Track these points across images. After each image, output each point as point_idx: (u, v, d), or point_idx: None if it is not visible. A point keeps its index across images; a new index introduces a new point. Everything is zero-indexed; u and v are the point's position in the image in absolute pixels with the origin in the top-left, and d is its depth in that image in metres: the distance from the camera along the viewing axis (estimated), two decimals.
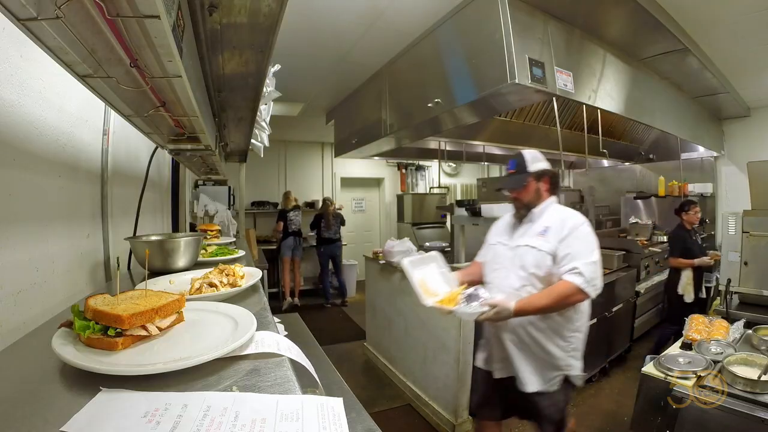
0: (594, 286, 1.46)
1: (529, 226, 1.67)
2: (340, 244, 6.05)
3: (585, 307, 1.63)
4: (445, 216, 5.69)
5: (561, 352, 1.57)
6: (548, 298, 1.47)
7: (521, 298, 1.51)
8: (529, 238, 1.63)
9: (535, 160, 1.67)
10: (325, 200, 6.04)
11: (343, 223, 6.10)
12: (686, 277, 3.26)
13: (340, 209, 6.30)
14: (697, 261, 3.24)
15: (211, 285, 0.96)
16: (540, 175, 1.66)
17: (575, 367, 1.59)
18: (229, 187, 4.11)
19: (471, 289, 1.54)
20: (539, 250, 1.57)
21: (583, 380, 1.65)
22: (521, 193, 1.66)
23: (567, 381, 1.58)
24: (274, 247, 5.94)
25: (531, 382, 1.58)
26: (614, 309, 3.30)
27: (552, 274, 1.55)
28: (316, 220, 5.90)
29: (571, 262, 1.49)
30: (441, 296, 1.56)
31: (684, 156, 4.85)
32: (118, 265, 0.91)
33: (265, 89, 1.51)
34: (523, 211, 1.67)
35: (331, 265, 6.06)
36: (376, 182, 7.90)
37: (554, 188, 1.69)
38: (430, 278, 1.67)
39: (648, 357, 1.73)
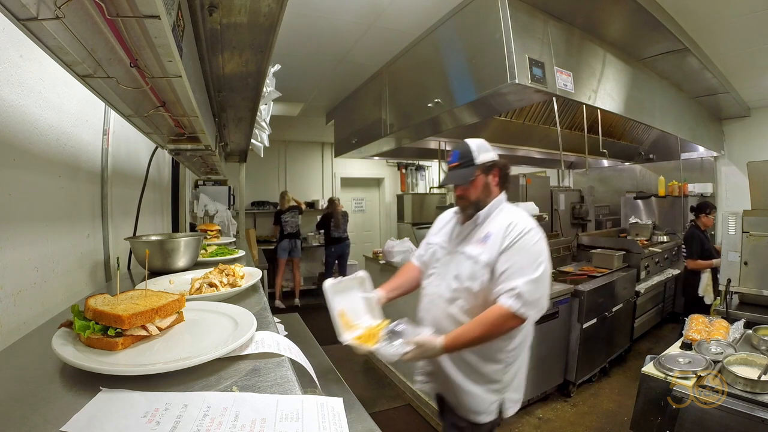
0: (535, 308, 1.27)
1: (472, 228, 1.46)
2: (349, 243, 6.07)
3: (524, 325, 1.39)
4: None
5: (497, 375, 1.38)
6: (480, 329, 1.26)
7: (449, 333, 1.30)
8: (469, 245, 1.43)
9: (482, 149, 1.44)
10: (332, 200, 6.04)
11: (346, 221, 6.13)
12: (706, 279, 3.22)
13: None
14: (715, 261, 3.19)
15: (211, 285, 0.96)
16: (489, 168, 1.44)
17: (512, 398, 1.42)
18: (229, 187, 4.11)
19: (393, 324, 1.32)
20: (476, 262, 1.37)
21: (515, 410, 1.46)
22: (468, 190, 1.43)
23: (499, 410, 1.40)
24: (274, 248, 5.94)
25: (464, 405, 1.40)
26: (614, 309, 3.29)
27: (489, 290, 1.34)
28: (325, 220, 5.89)
29: (509, 281, 1.27)
30: (360, 331, 1.32)
31: (684, 156, 4.85)
32: (118, 265, 0.91)
33: (265, 89, 1.51)
34: (469, 211, 1.46)
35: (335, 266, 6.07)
36: (376, 182, 7.91)
37: (504, 182, 1.48)
38: (353, 307, 1.42)
39: (648, 357, 1.73)
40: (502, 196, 1.48)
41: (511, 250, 1.31)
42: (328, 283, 1.39)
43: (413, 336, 1.27)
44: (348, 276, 1.49)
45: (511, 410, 1.43)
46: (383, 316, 1.43)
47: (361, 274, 1.52)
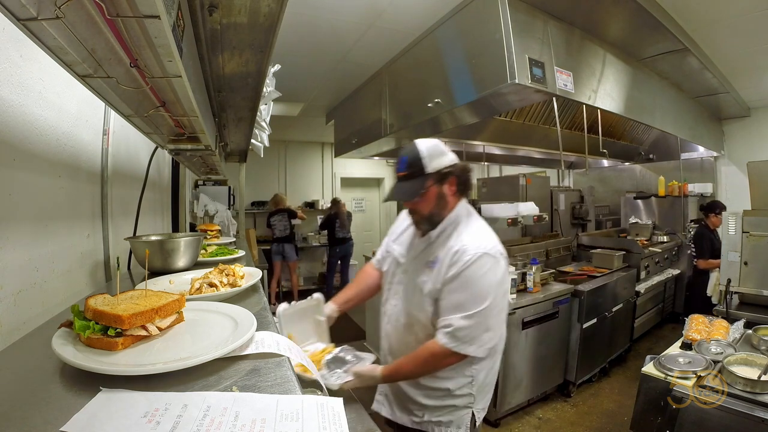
0: (475, 344, 1.14)
1: (426, 245, 1.29)
2: (352, 243, 6.06)
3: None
4: None
5: (461, 390, 1.27)
6: (414, 364, 1.19)
7: (388, 365, 1.24)
8: (420, 266, 1.27)
9: (435, 154, 1.21)
10: (337, 201, 6.03)
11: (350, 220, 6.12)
12: (715, 279, 3.20)
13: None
14: None
15: (211, 285, 0.96)
16: (443, 177, 1.22)
17: (479, 405, 1.30)
18: (229, 187, 4.11)
19: (336, 351, 1.26)
20: (421, 291, 1.23)
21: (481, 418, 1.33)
22: (419, 204, 1.23)
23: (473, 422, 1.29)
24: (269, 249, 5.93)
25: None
26: (614, 309, 3.29)
27: (435, 322, 1.22)
28: (330, 220, 5.87)
29: (445, 315, 1.15)
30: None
31: (684, 156, 4.85)
32: (118, 265, 0.91)
33: (265, 89, 1.51)
34: (424, 226, 1.27)
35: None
36: (376, 182, 7.91)
37: (463, 190, 1.28)
38: (304, 330, 1.33)
39: (648, 357, 1.72)
40: (461, 207, 1.28)
41: (454, 282, 1.16)
42: (281, 308, 1.28)
43: (355, 364, 1.23)
44: (304, 300, 1.39)
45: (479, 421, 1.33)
46: (330, 341, 1.37)
47: (317, 296, 1.40)
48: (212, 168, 2.23)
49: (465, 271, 1.15)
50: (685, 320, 2.05)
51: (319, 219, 6.61)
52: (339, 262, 6.02)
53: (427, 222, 1.26)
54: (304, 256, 6.69)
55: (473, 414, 1.28)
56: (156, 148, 1.48)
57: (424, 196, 1.22)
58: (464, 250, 1.17)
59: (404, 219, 1.44)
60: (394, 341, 1.36)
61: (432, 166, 1.21)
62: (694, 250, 3.55)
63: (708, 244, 3.36)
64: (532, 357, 2.76)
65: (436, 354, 1.16)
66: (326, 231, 6.00)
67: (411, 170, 1.21)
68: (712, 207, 3.50)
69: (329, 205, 6.22)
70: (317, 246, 6.61)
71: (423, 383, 1.27)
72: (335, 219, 5.82)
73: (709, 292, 3.23)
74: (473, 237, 1.20)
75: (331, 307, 1.43)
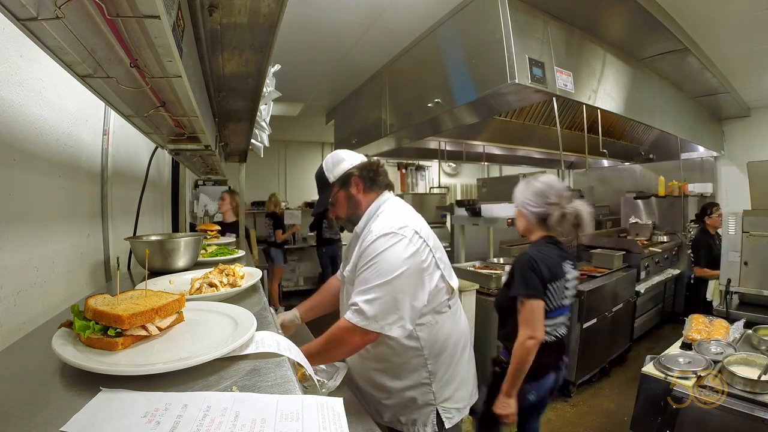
0: (384, 323, 1.10)
1: (355, 244, 1.31)
2: (340, 245, 6.02)
3: (439, 328, 1.25)
4: (445, 216, 5.70)
5: (417, 391, 1.23)
6: (319, 344, 1.17)
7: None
8: (350, 265, 1.29)
9: (336, 162, 1.31)
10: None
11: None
12: (714, 285, 3.19)
13: None
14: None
15: (211, 285, 0.96)
16: (344, 180, 1.29)
17: (442, 400, 1.25)
18: (229, 187, 4.11)
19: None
20: (345, 280, 1.30)
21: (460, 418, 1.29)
22: (336, 211, 1.33)
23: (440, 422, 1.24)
24: None
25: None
26: (614, 309, 3.29)
27: None
28: (318, 220, 5.83)
29: (354, 295, 1.16)
30: None
31: (684, 156, 4.85)
32: (118, 265, 0.91)
33: (265, 89, 1.51)
34: (349, 227, 1.35)
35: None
36: None
37: (371, 182, 1.32)
38: None
39: (648, 357, 1.72)
40: (380, 199, 1.32)
41: (360, 263, 1.18)
42: None
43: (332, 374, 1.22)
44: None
45: (451, 420, 1.27)
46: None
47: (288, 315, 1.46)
48: (212, 168, 2.23)
49: (366, 250, 1.17)
50: (685, 320, 2.05)
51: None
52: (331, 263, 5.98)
53: (349, 223, 1.34)
54: (304, 256, 6.68)
55: (437, 412, 1.24)
56: (156, 148, 1.48)
57: (336, 203, 1.32)
58: (371, 230, 1.20)
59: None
60: None
61: (333, 174, 1.31)
62: (693, 256, 3.53)
63: (705, 251, 3.34)
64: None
65: (342, 329, 1.14)
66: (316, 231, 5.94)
67: (319, 184, 1.35)
68: (704, 210, 3.48)
69: None
70: (314, 246, 6.60)
71: (378, 381, 1.27)
72: (322, 219, 5.75)
73: (708, 297, 3.23)
74: (380, 222, 1.23)
75: (294, 314, 1.46)
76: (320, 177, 1.33)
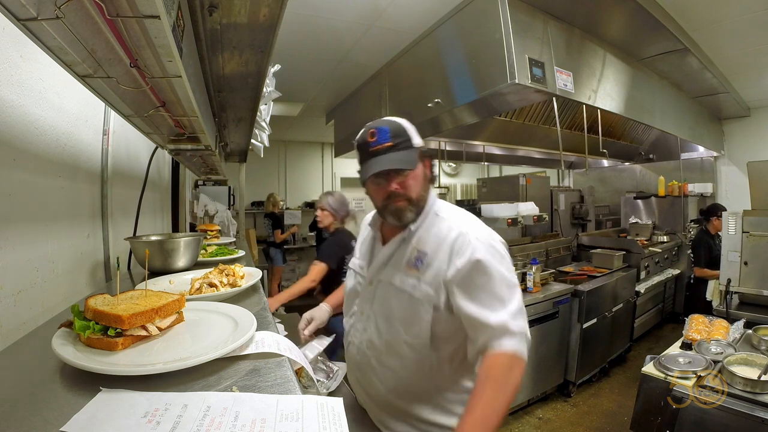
0: (528, 337, 0.93)
1: (400, 243, 1.05)
2: None
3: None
4: None
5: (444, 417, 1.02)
6: (487, 401, 0.85)
7: (462, 418, 0.86)
8: (397, 272, 1.02)
9: (414, 130, 1.06)
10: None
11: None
12: (713, 285, 3.18)
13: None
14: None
15: (211, 285, 0.96)
16: (425, 155, 1.05)
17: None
18: (229, 187, 4.10)
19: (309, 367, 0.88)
20: (410, 297, 0.98)
21: None
22: (409, 181, 1.00)
23: None
24: None
25: None
26: (614, 309, 3.29)
27: (442, 339, 0.98)
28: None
29: (488, 317, 0.89)
30: None
31: (684, 156, 4.85)
32: (118, 265, 0.91)
33: (265, 89, 1.51)
34: (409, 215, 1.01)
35: None
36: None
37: (432, 177, 1.11)
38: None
39: (648, 357, 1.72)
40: (434, 195, 1.09)
41: (469, 276, 0.93)
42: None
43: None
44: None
45: None
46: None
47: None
48: (212, 168, 2.23)
49: (475, 255, 0.93)
50: (685, 320, 2.05)
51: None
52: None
53: (413, 207, 1.02)
54: (304, 256, 6.67)
55: None
56: (156, 148, 1.48)
57: (414, 171, 1.01)
58: (465, 232, 0.97)
59: (365, 228, 1.24)
60: (369, 371, 1.08)
61: (417, 140, 1.04)
62: (693, 256, 3.53)
63: (706, 251, 3.34)
64: (532, 357, 2.76)
65: (507, 366, 0.88)
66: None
67: (398, 140, 1.00)
68: (712, 210, 3.47)
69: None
70: (315, 246, 6.61)
71: (423, 417, 1.02)
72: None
73: (708, 296, 3.23)
74: (462, 219, 1.03)
75: (326, 309, 1.40)
76: (401, 133, 1.01)
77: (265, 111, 2.13)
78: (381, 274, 1.07)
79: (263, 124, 2.16)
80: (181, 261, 1.21)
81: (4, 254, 0.76)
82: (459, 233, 0.97)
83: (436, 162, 1.13)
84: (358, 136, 1.04)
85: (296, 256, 6.65)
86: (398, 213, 1.01)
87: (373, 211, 1.14)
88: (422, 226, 1.04)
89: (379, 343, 1.05)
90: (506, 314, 0.90)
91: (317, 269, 2.46)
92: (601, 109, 2.76)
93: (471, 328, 0.93)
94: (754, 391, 1.33)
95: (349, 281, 1.20)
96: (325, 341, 1.31)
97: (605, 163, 5.87)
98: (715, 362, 1.54)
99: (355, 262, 1.20)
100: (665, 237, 4.51)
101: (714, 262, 3.24)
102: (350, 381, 1.20)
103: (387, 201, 1.01)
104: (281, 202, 5.87)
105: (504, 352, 0.88)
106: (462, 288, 0.94)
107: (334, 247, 2.54)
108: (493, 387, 0.86)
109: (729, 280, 2.34)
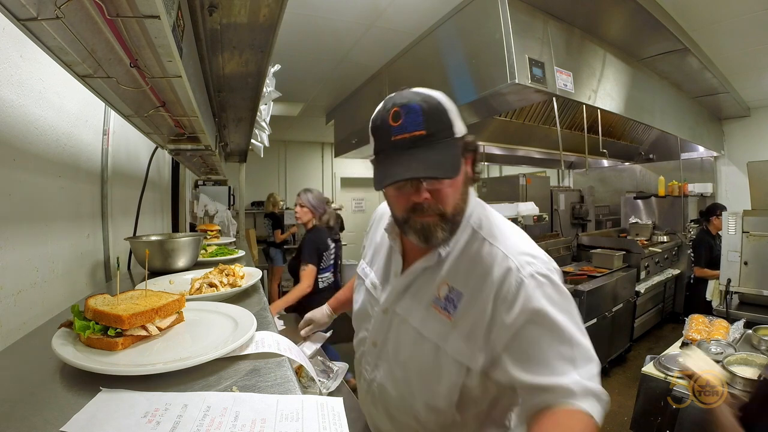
0: (607, 398, 0.68)
1: (423, 269, 0.80)
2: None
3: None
4: None
5: None
6: None
7: None
8: (415, 304, 0.81)
9: (456, 111, 0.76)
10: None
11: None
12: (713, 285, 3.18)
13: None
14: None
15: (211, 285, 0.96)
16: (467, 148, 0.78)
17: None
18: (229, 187, 4.11)
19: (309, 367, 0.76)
20: (437, 348, 0.76)
21: None
22: (443, 192, 0.74)
23: None
24: None
25: None
26: (614, 309, 3.29)
27: (471, 400, 0.76)
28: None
29: (551, 382, 0.65)
30: None
31: (684, 156, 4.85)
32: (118, 265, 0.91)
33: (265, 89, 1.51)
34: (441, 234, 0.75)
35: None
36: None
37: (474, 176, 0.83)
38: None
39: (648, 357, 1.73)
40: (474, 199, 0.84)
41: (525, 330, 0.68)
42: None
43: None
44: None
45: None
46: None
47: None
48: (212, 168, 2.23)
49: (532, 303, 0.68)
50: (685, 320, 2.05)
51: None
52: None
53: (447, 225, 0.75)
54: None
55: None
56: (156, 148, 1.48)
57: (456, 177, 0.72)
58: (517, 272, 0.70)
59: (380, 221, 0.98)
60: (382, 416, 0.90)
61: (458, 127, 0.74)
62: (693, 256, 3.53)
63: (706, 251, 3.34)
64: None
65: (588, 427, 0.63)
66: None
67: (434, 128, 0.70)
68: (712, 210, 3.48)
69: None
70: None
71: None
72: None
73: (708, 296, 3.22)
74: (518, 247, 0.75)
75: (325, 311, 1.33)
76: (439, 118, 0.72)
77: (265, 111, 2.13)
78: (397, 305, 0.84)
79: (263, 124, 2.16)
80: (181, 261, 1.21)
81: (4, 254, 0.76)
82: (507, 269, 0.71)
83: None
84: (375, 114, 0.77)
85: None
86: (425, 232, 0.74)
87: (389, 213, 0.87)
88: (455, 249, 0.78)
89: (392, 393, 0.84)
90: (578, 376, 0.65)
91: (308, 273, 2.54)
92: (601, 109, 2.76)
93: (525, 392, 0.68)
94: None
95: (359, 296, 0.97)
96: (322, 337, 1.31)
97: (605, 163, 5.87)
98: (716, 362, 1.54)
99: (366, 272, 0.96)
100: (665, 237, 4.51)
101: (714, 262, 3.24)
102: (361, 406, 1.01)
103: (411, 213, 0.75)
104: (281, 202, 5.86)
105: (578, 410, 0.63)
106: (514, 353, 0.68)
107: (312, 245, 2.68)
108: None
109: (729, 280, 2.34)
